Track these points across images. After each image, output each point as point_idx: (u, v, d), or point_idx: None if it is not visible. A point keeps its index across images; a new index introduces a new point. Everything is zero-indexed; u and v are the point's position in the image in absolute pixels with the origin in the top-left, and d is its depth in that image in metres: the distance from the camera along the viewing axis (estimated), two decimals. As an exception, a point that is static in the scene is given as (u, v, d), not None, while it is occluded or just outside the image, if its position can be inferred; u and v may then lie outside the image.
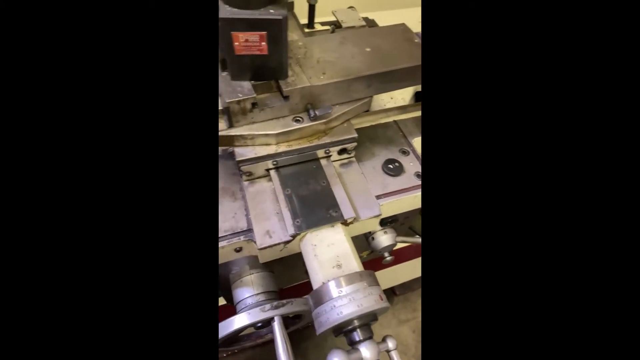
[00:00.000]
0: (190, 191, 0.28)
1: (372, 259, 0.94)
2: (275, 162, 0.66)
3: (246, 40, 0.54)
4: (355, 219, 0.63)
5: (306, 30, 1.06)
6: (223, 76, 0.61)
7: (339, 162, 0.73)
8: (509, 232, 0.27)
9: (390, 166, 0.73)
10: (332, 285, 0.52)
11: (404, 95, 0.98)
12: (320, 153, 0.69)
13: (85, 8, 0.26)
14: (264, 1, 0.51)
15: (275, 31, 0.53)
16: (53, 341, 0.24)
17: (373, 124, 0.82)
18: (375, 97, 0.74)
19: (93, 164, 0.26)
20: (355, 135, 0.69)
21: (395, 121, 0.83)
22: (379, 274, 1.15)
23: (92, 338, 0.25)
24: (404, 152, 0.76)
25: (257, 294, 0.70)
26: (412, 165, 0.74)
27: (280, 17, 0.51)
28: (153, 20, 0.28)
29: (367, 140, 0.78)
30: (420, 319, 1.72)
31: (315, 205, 0.63)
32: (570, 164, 0.25)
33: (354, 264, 0.57)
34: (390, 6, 1.29)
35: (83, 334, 0.25)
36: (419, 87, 0.95)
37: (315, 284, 0.56)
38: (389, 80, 0.69)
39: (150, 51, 0.28)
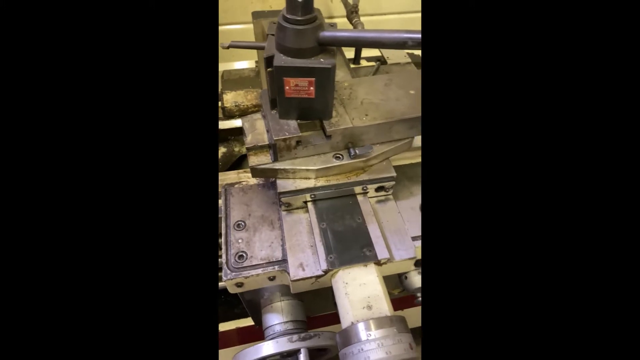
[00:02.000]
0: (190, 193, 0.27)
1: (402, 297, 0.91)
2: (313, 196, 0.69)
3: (296, 85, 0.58)
4: (389, 260, 0.63)
5: (352, 65, 1.11)
6: (272, 114, 0.66)
7: (376, 199, 0.74)
8: (510, 242, 0.26)
9: (428, 207, 0.72)
10: (361, 327, 0.52)
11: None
12: (358, 189, 0.70)
13: (85, 8, 0.26)
14: (316, 51, 0.56)
15: (324, 78, 0.57)
16: (50, 340, 0.24)
17: (412, 162, 0.83)
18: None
19: (92, 165, 0.26)
20: (394, 174, 0.70)
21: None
22: (409, 311, 1.11)
23: (91, 338, 0.25)
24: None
25: (286, 322, 0.72)
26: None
27: (329, 66, 0.55)
28: (153, 21, 0.27)
29: (405, 179, 0.78)
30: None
31: (349, 242, 0.64)
32: (569, 179, 0.25)
33: (385, 307, 0.57)
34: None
35: (82, 336, 0.24)
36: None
37: (344, 323, 0.56)
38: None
39: (150, 52, 0.27)
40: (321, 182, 0.69)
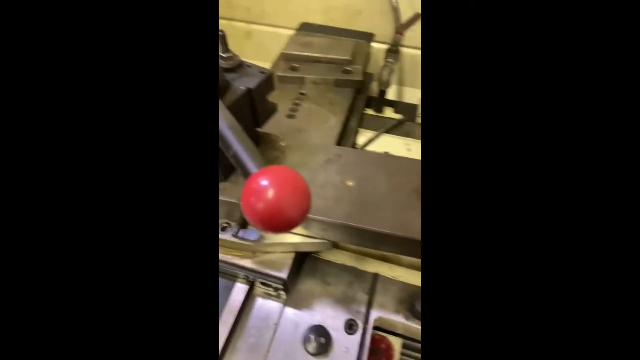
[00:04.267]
0: (189, 188, 0.27)
1: None
2: (187, 258, 0.58)
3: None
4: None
5: (369, 112, 0.92)
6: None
7: (263, 293, 0.58)
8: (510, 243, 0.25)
9: (312, 337, 0.53)
10: None
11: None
12: (240, 275, 0.56)
13: (85, 8, 0.26)
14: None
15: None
16: (48, 340, 0.24)
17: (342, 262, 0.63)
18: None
19: (89, 158, 0.26)
20: (283, 277, 0.54)
21: (376, 274, 0.61)
22: None
23: (90, 339, 0.25)
24: (350, 326, 0.55)
25: None
26: (342, 345, 0.53)
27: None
28: (153, 20, 0.27)
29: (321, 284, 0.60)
30: None
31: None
32: (569, 181, 0.24)
33: None
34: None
35: (81, 337, 0.25)
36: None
37: None
38: (359, 239, 0.50)
39: (150, 51, 0.28)
40: (200, 247, 0.57)
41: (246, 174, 0.27)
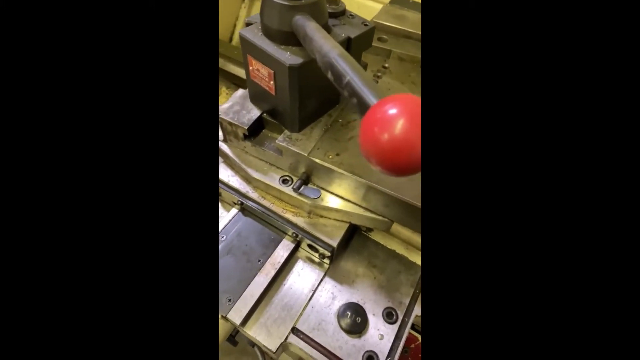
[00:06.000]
0: (189, 193, 0.28)
1: None
2: (240, 202, 0.57)
3: (257, 70, 0.45)
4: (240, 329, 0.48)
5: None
6: (245, 92, 0.55)
7: (306, 256, 0.56)
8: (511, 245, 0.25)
9: (348, 314, 0.51)
10: None
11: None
12: (289, 231, 0.55)
13: (85, 7, 0.26)
14: (289, 39, 0.41)
15: (282, 76, 0.42)
16: (47, 335, 0.25)
17: (389, 246, 0.59)
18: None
19: (89, 156, 0.26)
20: (333, 244, 0.51)
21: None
22: None
23: (90, 339, 0.25)
24: (390, 314, 0.52)
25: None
26: (377, 331, 0.50)
27: (287, 64, 0.40)
28: (153, 20, 0.27)
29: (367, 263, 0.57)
30: None
31: (226, 279, 0.51)
32: (568, 184, 0.24)
33: None
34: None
35: (80, 337, 0.25)
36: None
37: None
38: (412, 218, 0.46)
39: (150, 51, 0.28)
40: (255, 194, 0.56)
41: (363, 104, 0.24)
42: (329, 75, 0.27)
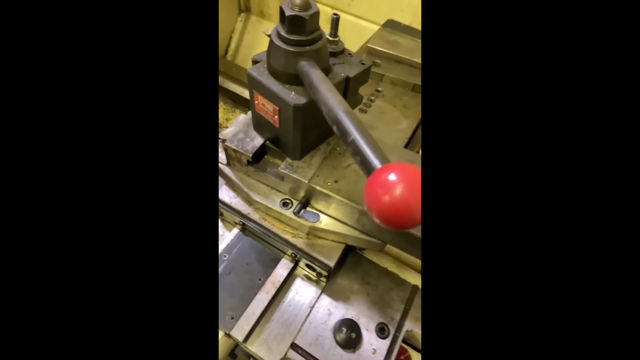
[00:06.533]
0: (190, 190, 0.28)
1: None
2: (241, 223, 0.60)
3: (263, 105, 0.49)
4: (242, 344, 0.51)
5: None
6: (247, 118, 0.58)
7: (304, 275, 0.60)
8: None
9: (344, 329, 0.54)
10: None
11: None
12: (288, 251, 0.58)
13: (85, 7, 0.26)
14: (293, 80, 0.44)
15: (287, 113, 0.46)
16: (48, 335, 0.25)
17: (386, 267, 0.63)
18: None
19: (89, 158, 0.27)
20: (330, 265, 0.54)
21: (415, 286, 0.61)
22: None
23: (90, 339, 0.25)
24: (382, 330, 0.55)
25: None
26: (370, 346, 0.53)
27: (292, 104, 0.43)
28: (153, 20, 0.27)
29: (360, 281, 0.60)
30: None
31: (229, 297, 0.54)
32: (568, 185, 0.24)
33: None
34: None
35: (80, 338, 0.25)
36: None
37: None
38: (416, 248, 0.50)
39: (150, 51, 0.27)
40: (256, 215, 0.59)
41: (367, 165, 0.27)
42: (334, 129, 0.31)
